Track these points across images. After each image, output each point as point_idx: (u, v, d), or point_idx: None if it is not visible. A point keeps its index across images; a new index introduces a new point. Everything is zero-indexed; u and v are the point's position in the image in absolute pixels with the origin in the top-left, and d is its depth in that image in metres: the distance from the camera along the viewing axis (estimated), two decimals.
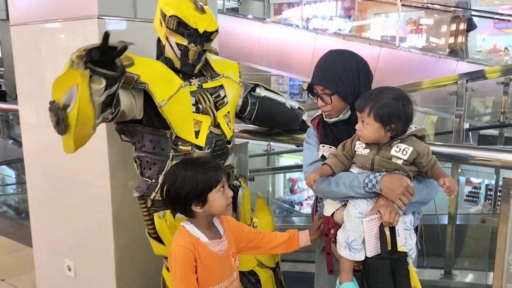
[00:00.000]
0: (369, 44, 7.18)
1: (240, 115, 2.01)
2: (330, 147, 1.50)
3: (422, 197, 1.41)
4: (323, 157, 1.49)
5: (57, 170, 2.35)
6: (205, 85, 1.80)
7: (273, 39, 8.02)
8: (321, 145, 1.53)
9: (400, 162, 1.34)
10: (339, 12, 12.02)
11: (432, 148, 1.56)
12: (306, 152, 1.57)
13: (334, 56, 1.53)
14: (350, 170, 1.43)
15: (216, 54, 2.06)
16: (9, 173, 9.04)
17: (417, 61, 6.75)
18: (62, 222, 2.39)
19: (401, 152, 1.34)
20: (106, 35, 1.32)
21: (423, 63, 6.62)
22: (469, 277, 2.50)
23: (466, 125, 3.49)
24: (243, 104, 1.98)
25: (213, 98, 1.80)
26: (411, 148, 1.34)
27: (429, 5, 7.69)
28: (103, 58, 1.37)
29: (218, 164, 1.52)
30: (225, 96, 1.84)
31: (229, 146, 1.85)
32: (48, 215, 2.49)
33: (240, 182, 1.99)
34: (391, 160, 1.35)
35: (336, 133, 1.51)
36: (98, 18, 1.94)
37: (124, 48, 1.37)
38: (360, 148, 1.39)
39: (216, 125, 1.79)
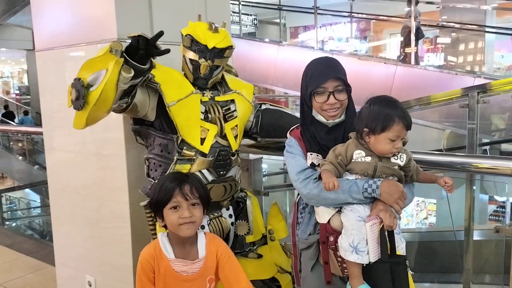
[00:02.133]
0: (385, 63, 7.22)
1: (249, 132, 2.09)
2: (317, 155, 1.53)
3: (406, 201, 1.45)
4: (312, 165, 1.52)
5: (78, 188, 2.44)
6: (217, 98, 1.91)
7: (289, 61, 8.14)
8: (308, 153, 1.55)
9: (396, 167, 1.42)
10: (354, 33, 12.14)
11: (447, 158, 1.61)
12: (292, 161, 1.56)
13: (333, 58, 1.62)
14: (346, 177, 1.46)
15: (236, 75, 2.17)
16: (34, 198, 9.30)
17: (434, 79, 6.74)
18: (83, 238, 2.47)
19: (399, 159, 1.42)
20: (161, 33, 1.58)
21: (440, 81, 6.62)
22: None
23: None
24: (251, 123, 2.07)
25: (223, 111, 1.90)
26: (405, 155, 1.43)
27: (444, 23, 7.71)
28: (145, 50, 1.58)
29: (182, 182, 1.48)
30: (235, 110, 1.93)
31: (233, 158, 1.91)
32: (70, 232, 2.58)
33: (246, 193, 2.06)
34: (390, 167, 1.41)
35: (320, 140, 1.54)
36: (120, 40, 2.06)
37: (167, 51, 1.62)
38: (360, 157, 1.43)
39: (223, 136, 1.87)
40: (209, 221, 1.89)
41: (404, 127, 1.37)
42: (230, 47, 1.87)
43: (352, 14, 8.32)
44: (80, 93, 1.56)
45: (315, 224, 1.54)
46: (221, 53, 1.84)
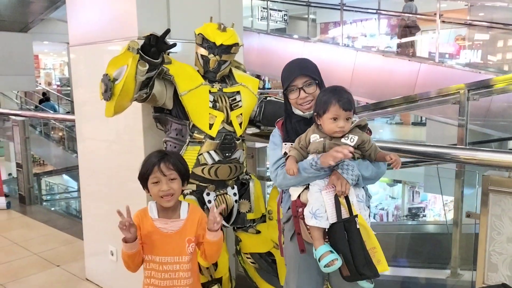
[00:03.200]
0: (409, 60, 7.27)
1: (254, 121, 2.32)
2: (291, 144, 1.73)
3: (369, 173, 1.65)
4: (286, 154, 1.72)
5: (103, 169, 2.75)
6: (224, 89, 2.17)
7: (314, 57, 8.23)
8: (283, 143, 1.77)
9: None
10: (385, 30, 12.09)
11: (418, 148, 1.80)
12: (271, 153, 1.80)
13: (303, 58, 1.84)
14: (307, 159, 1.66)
15: (244, 71, 2.42)
16: (72, 184, 9.87)
17: (458, 77, 6.75)
18: (107, 213, 2.78)
19: (349, 140, 1.62)
20: (167, 31, 1.83)
21: (463, 79, 6.60)
22: (472, 275, 2.61)
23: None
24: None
25: (230, 101, 2.16)
26: (356, 137, 1.62)
27: (471, 21, 7.67)
28: (156, 46, 1.84)
29: (160, 160, 1.69)
30: (240, 100, 2.19)
31: (238, 142, 2.16)
32: (96, 208, 2.90)
33: (250, 176, 2.30)
34: (337, 143, 1.61)
35: (300, 131, 1.74)
36: (138, 39, 2.33)
37: (173, 45, 1.88)
38: (315, 140, 1.64)
39: (229, 122, 2.13)
40: (215, 197, 2.15)
41: (340, 107, 1.58)
42: (236, 44, 2.13)
43: (379, 11, 8.35)
44: (108, 86, 1.86)
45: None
46: (228, 49, 2.10)
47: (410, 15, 7.90)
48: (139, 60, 1.83)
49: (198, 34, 2.12)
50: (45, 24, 12.30)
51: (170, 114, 2.19)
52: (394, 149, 1.96)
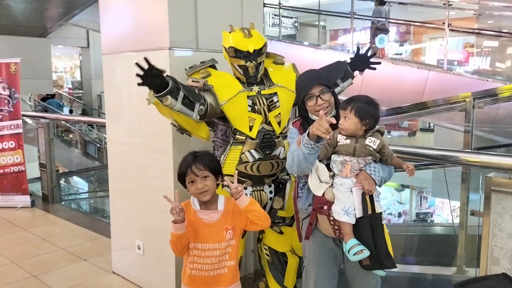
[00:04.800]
0: (417, 68, 7.43)
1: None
2: None
3: (386, 175, 1.85)
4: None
5: (132, 168, 2.96)
6: (262, 92, 2.34)
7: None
8: None
9: (371, 149, 1.81)
10: (394, 37, 12.26)
11: (426, 151, 1.98)
12: (290, 143, 2.00)
13: (316, 69, 2.05)
14: (333, 158, 1.85)
15: (282, 63, 2.53)
16: (82, 186, 10.09)
17: (465, 84, 6.89)
18: (134, 209, 2.98)
19: (372, 142, 1.81)
20: (145, 59, 1.94)
21: (471, 86, 6.75)
22: (476, 271, 2.78)
23: None
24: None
25: (267, 102, 2.33)
26: (378, 140, 1.82)
27: (479, 30, 7.83)
28: (150, 75, 1.96)
29: (192, 162, 1.89)
30: (277, 101, 2.35)
31: (277, 140, 2.33)
32: (124, 204, 3.10)
33: (290, 177, 2.46)
34: (366, 147, 1.81)
35: None
36: (169, 49, 2.54)
37: (160, 71, 1.99)
38: (342, 140, 1.84)
39: (268, 122, 2.31)
40: (252, 192, 2.35)
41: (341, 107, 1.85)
42: (265, 44, 2.31)
43: (388, 19, 8.53)
44: (180, 130, 2.25)
45: (312, 197, 1.94)
46: (260, 51, 2.29)
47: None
48: (161, 101, 2.03)
49: (229, 48, 2.28)
50: (60, 29, 12.60)
51: (219, 119, 2.39)
52: (404, 152, 2.14)
